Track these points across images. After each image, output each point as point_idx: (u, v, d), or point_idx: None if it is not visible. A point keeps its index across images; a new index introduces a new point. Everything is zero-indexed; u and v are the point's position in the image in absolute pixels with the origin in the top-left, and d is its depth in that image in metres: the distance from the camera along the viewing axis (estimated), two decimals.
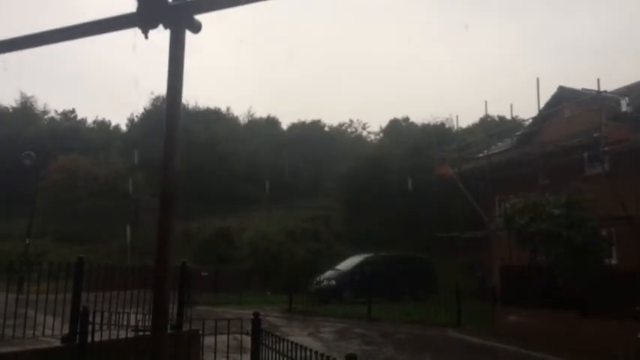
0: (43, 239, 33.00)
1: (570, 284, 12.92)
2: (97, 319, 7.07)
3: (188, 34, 2.83)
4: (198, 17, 2.82)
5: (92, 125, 56.98)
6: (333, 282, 23.06)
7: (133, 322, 7.47)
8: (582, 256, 13.06)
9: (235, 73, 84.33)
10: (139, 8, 2.72)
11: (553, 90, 20.59)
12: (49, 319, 7.45)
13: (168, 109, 2.78)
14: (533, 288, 14.04)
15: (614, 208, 15.02)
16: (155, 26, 2.76)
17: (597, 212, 13.76)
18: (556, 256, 13.38)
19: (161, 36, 2.83)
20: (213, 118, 50.83)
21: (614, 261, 15.74)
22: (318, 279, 23.39)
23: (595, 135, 16.07)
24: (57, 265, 7.62)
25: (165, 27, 2.76)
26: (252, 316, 7.17)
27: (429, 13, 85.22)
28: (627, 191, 15.38)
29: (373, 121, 78.13)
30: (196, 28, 2.84)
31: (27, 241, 27.12)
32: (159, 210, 2.71)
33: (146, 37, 2.76)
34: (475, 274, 24.12)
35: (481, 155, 23.00)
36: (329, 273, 23.90)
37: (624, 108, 16.99)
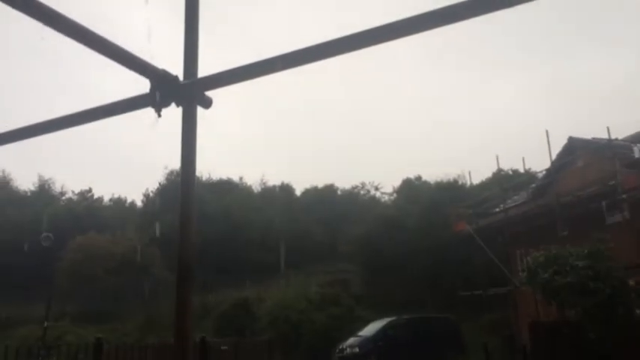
0: (61, 321, 32.71)
1: (602, 337, 12.46)
2: None
3: (199, 109, 2.91)
4: (209, 93, 2.92)
5: (109, 203, 57.61)
6: (357, 349, 22.34)
7: None
8: (612, 308, 12.67)
9: (248, 142, 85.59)
10: (151, 89, 2.81)
11: (563, 141, 20.67)
12: None
13: (183, 185, 2.82)
14: (564, 343, 13.53)
15: (638, 256, 14.66)
16: (168, 105, 2.84)
17: (621, 261, 13.47)
18: (585, 310, 12.99)
19: (173, 111, 2.90)
20: (227, 188, 51.21)
21: None
22: (341, 346, 22.73)
23: (611, 183, 15.96)
24: (75, 347, 7.53)
25: (178, 105, 2.84)
26: None
27: (432, 72, 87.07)
28: None
29: (386, 182, 78.06)
30: (207, 103, 2.93)
31: (45, 324, 26.89)
32: (176, 284, 2.69)
33: (159, 115, 2.84)
34: (504, 333, 23.32)
35: (497, 210, 22.82)
36: (352, 340, 23.20)
37: (637, 154, 16.94)
